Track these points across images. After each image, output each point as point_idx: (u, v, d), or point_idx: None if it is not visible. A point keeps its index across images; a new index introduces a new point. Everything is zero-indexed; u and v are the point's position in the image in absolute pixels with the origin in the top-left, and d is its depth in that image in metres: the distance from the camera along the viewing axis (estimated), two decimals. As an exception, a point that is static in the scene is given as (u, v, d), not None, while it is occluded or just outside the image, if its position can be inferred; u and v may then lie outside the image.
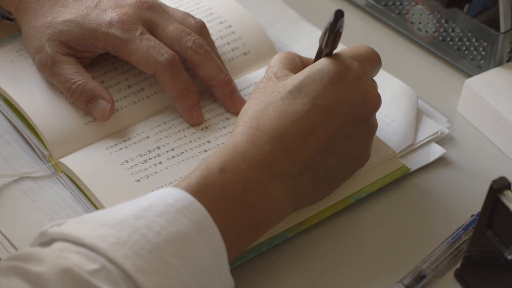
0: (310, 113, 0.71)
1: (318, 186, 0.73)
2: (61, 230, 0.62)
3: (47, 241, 0.63)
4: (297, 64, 0.77)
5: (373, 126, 0.75)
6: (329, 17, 0.71)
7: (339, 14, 0.71)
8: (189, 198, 0.65)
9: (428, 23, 0.93)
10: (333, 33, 0.72)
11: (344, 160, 0.73)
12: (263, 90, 0.73)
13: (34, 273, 0.58)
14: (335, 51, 0.74)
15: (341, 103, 0.72)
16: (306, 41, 0.94)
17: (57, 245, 0.61)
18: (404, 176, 0.81)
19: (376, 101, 0.73)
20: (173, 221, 0.63)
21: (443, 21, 0.91)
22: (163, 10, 0.83)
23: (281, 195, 0.70)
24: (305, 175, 0.71)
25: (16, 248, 0.73)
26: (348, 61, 0.73)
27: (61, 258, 0.60)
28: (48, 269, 0.59)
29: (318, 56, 0.75)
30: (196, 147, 0.80)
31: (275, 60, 0.76)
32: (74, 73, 0.80)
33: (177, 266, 0.62)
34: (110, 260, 0.60)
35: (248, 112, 0.72)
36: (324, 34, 0.73)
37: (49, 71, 0.81)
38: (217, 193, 0.67)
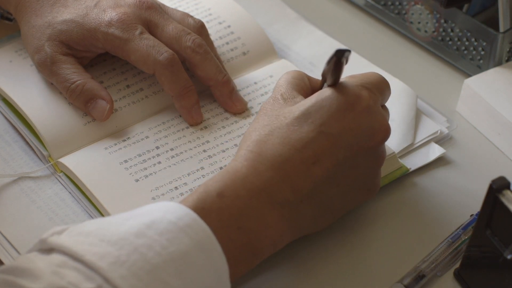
0: (314, 141, 0.69)
1: (319, 215, 0.71)
2: (61, 242, 0.61)
3: (46, 248, 0.62)
4: (305, 84, 0.75)
5: (381, 156, 0.73)
6: (332, 52, 0.68)
7: (339, 54, 0.68)
8: (192, 215, 0.64)
9: (427, 22, 0.93)
10: (337, 70, 0.69)
11: (349, 190, 0.72)
12: (269, 113, 0.71)
13: None
14: (345, 77, 0.72)
15: (348, 132, 0.70)
16: (305, 41, 0.94)
17: (55, 258, 0.60)
18: (404, 176, 0.81)
19: (384, 132, 0.71)
20: (174, 240, 0.62)
21: (442, 21, 0.91)
22: (162, 10, 0.83)
23: (279, 223, 0.68)
24: (305, 204, 0.69)
25: (15, 248, 0.73)
26: (358, 89, 0.71)
27: (57, 275, 0.59)
28: (42, 287, 0.58)
29: (323, 81, 0.73)
30: (195, 147, 0.80)
31: (283, 80, 0.74)
32: (73, 73, 0.80)
33: (176, 287, 0.61)
34: (107, 280, 0.59)
35: (252, 136, 0.70)
36: (329, 68, 0.70)
37: (48, 70, 0.81)
38: (214, 218, 0.65)
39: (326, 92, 0.71)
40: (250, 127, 0.72)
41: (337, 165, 0.70)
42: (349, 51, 0.68)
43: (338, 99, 0.70)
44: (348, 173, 0.71)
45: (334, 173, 0.70)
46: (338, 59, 0.68)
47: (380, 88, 0.73)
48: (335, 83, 0.71)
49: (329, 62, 0.70)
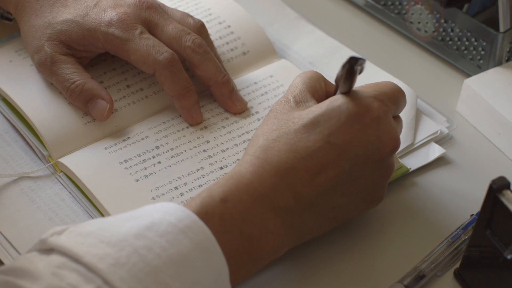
0: (321, 151, 0.69)
1: (322, 222, 0.71)
2: (61, 243, 0.61)
3: (46, 249, 0.62)
4: (320, 87, 0.74)
5: (389, 168, 0.72)
6: (346, 59, 0.68)
7: (352, 61, 0.67)
8: (193, 217, 0.63)
9: (427, 22, 0.93)
10: (349, 78, 0.69)
11: (353, 200, 0.71)
12: (279, 116, 0.71)
13: None
14: (359, 87, 0.72)
15: (355, 143, 0.69)
16: (305, 40, 0.94)
17: (55, 259, 0.60)
18: (404, 176, 0.81)
19: (393, 145, 0.70)
20: (175, 242, 0.62)
21: (442, 20, 0.91)
22: (162, 10, 0.83)
23: (281, 229, 0.68)
24: (308, 212, 0.69)
25: (15, 248, 0.73)
26: (369, 100, 0.70)
27: (57, 277, 0.59)
28: None
29: (337, 87, 0.72)
30: (195, 147, 0.80)
31: (299, 80, 0.74)
32: (73, 73, 0.80)
33: None
34: (106, 282, 0.59)
35: (259, 141, 0.70)
36: (341, 75, 0.70)
37: (48, 70, 0.81)
38: (216, 223, 0.65)
39: (337, 101, 0.70)
40: (258, 130, 0.71)
41: (342, 175, 0.69)
42: (363, 59, 0.67)
43: (348, 110, 0.69)
44: (353, 184, 0.70)
45: (339, 183, 0.69)
46: (351, 66, 0.68)
47: (394, 98, 0.73)
48: (348, 91, 0.71)
49: (342, 68, 0.69)
